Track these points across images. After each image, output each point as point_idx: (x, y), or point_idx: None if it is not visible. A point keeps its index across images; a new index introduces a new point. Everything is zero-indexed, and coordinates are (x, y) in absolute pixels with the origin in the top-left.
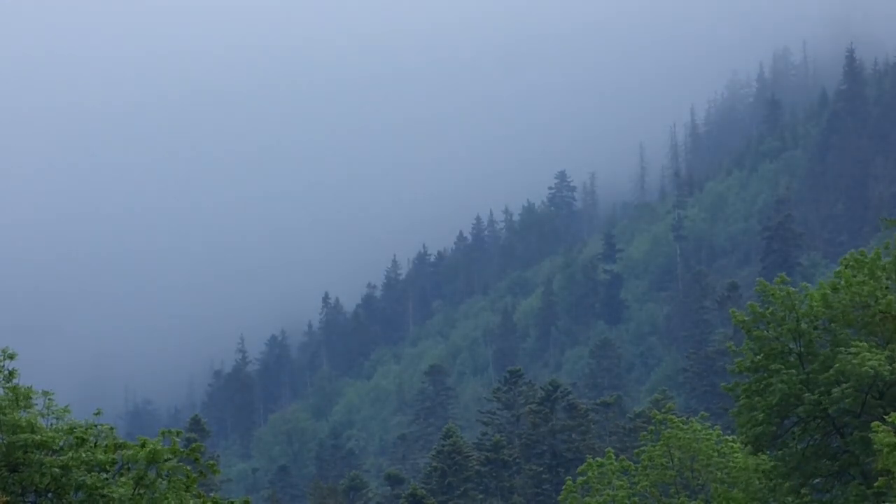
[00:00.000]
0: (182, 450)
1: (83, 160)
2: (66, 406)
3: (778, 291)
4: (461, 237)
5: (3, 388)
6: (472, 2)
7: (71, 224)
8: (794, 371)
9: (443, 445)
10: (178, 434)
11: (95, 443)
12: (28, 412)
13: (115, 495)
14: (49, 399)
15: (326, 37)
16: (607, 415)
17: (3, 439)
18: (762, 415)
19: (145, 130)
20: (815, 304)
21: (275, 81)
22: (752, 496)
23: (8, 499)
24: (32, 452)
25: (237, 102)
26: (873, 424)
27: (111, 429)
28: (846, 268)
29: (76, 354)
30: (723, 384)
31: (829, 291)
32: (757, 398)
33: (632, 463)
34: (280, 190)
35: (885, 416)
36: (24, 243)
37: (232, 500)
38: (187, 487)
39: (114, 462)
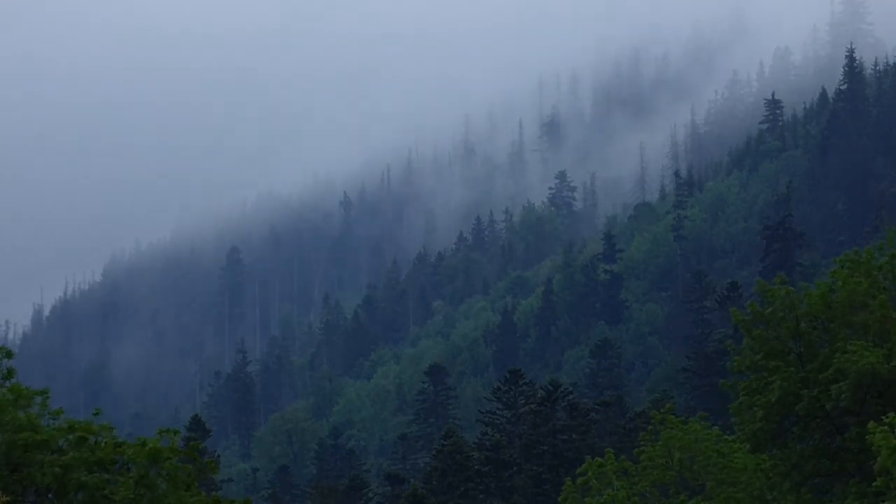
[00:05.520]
0: (181, 449)
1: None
2: (60, 409)
3: (777, 291)
4: (461, 237)
5: (2, 386)
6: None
7: (68, 222)
8: (792, 370)
9: (443, 445)
10: (175, 433)
11: (96, 442)
12: (27, 411)
13: (116, 497)
14: (45, 398)
15: (316, 29)
16: (607, 415)
17: (2, 438)
18: (761, 412)
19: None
20: (814, 304)
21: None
22: (751, 496)
23: (8, 499)
24: (33, 452)
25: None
26: (870, 426)
27: (111, 428)
28: (842, 268)
29: (76, 354)
30: (722, 381)
31: (826, 292)
32: (756, 396)
33: (631, 463)
34: (280, 191)
35: (884, 416)
36: (26, 243)
37: (232, 500)
38: (188, 487)
39: (114, 462)
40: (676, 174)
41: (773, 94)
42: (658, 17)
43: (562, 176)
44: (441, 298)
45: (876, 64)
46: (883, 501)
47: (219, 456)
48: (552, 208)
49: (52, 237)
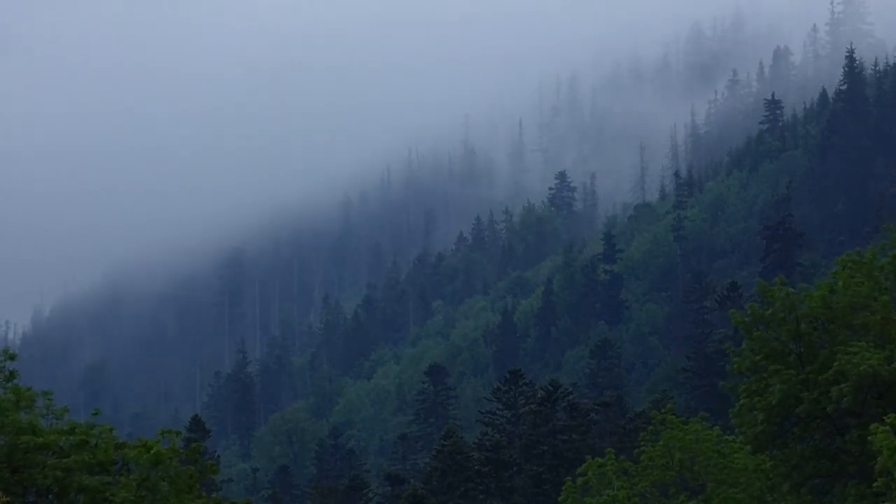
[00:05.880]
0: (182, 450)
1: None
2: (65, 407)
3: (777, 293)
4: (461, 237)
5: (4, 388)
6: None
7: (68, 223)
8: (793, 371)
9: (443, 445)
10: (177, 435)
11: (97, 444)
12: (29, 413)
13: (117, 499)
14: (49, 400)
15: (330, 23)
16: (607, 415)
17: (3, 441)
18: (762, 415)
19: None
20: (815, 305)
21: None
22: (752, 496)
23: (9, 500)
24: (34, 454)
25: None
26: (872, 427)
27: (111, 429)
28: (843, 269)
29: (76, 354)
30: (722, 383)
31: (827, 293)
32: (757, 398)
33: (632, 463)
34: (280, 191)
35: (885, 417)
36: (27, 243)
37: (233, 500)
38: (189, 489)
39: (114, 463)
40: (676, 174)
41: (773, 95)
42: (658, 17)
43: (562, 176)
44: (441, 298)
45: (876, 64)
46: (883, 502)
47: (219, 456)
48: (552, 208)
49: (53, 238)
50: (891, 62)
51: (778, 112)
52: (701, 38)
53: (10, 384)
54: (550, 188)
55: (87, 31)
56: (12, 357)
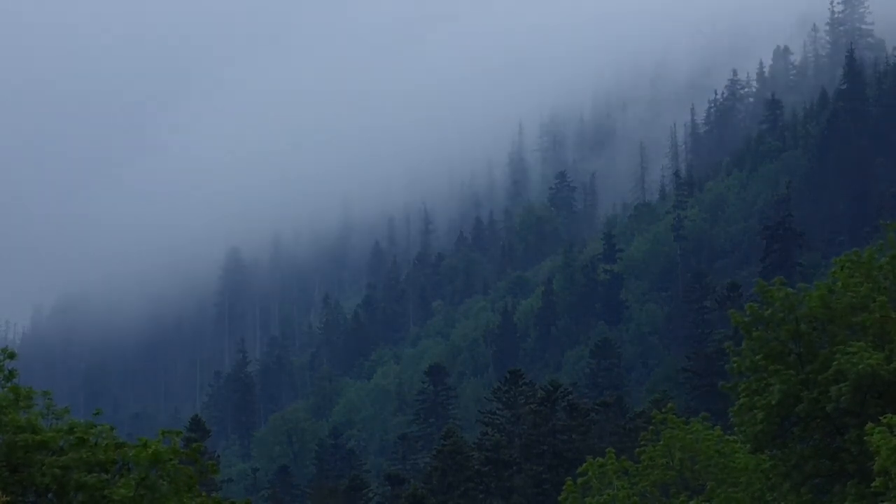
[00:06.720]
0: (182, 450)
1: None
2: (66, 407)
3: (777, 293)
4: (461, 237)
5: (3, 387)
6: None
7: (69, 223)
8: (792, 371)
9: (443, 445)
10: (177, 434)
11: (96, 443)
12: (28, 412)
13: (116, 496)
14: (49, 399)
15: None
16: (607, 415)
17: (2, 439)
18: (762, 414)
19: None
20: (814, 305)
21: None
22: (752, 496)
23: (8, 499)
24: (33, 453)
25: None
26: (868, 427)
27: (111, 429)
28: (842, 269)
29: (76, 354)
30: (722, 383)
31: (826, 293)
32: (756, 398)
33: (632, 463)
34: (280, 191)
35: (882, 417)
36: (27, 243)
37: (233, 500)
38: (189, 488)
39: (114, 462)
40: (676, 174)
41: (772, 95)
42: (658, 17)
43: (562, 176)
44: (441, 298)
45: (876, 64)
46: (882, 502)
47: (219, 456)
48: (552, 208)
49: (53, 238)
50: (891, 62)
51: (778, 112)
52: (701, 38)
53: (9, 383)
54: (550, 188)
55: (85, 33)
56: (12, 356)
